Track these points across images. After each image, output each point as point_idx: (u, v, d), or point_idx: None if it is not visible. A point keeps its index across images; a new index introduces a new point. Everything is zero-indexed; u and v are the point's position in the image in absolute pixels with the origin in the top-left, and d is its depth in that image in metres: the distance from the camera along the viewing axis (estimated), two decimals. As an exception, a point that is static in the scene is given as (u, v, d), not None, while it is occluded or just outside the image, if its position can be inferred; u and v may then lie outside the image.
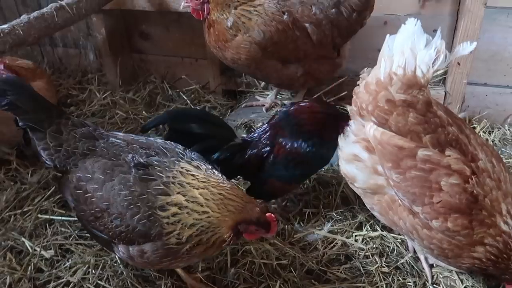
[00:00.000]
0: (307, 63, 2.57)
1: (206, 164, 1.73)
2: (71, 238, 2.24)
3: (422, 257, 2.03)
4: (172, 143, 1.82)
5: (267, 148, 2.10)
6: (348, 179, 1.93)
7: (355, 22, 2.50)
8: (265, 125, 2.16)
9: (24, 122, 1.77)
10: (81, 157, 1.74)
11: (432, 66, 1.56)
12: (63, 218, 2.35)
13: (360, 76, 1.82)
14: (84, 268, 2.03)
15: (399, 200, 1.74)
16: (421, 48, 1.57)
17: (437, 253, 1.74)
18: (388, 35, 1.68)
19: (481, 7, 2.49)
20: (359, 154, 1.82)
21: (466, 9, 2.53)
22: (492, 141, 2.76)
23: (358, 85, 1.80)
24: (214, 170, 1.71)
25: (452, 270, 1.98)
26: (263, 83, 3.24)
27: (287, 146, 2.06)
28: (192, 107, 3.23)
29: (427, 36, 1.58)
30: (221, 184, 1.62)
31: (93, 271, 2.02)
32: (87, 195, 1.66)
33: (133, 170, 1.62)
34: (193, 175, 1.63)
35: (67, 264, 2.08)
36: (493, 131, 2.84)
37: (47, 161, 1.80)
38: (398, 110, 1.63)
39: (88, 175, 1.68)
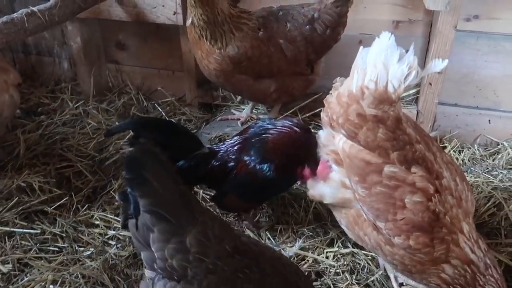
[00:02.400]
0: (281, 79, 2.57)
1: None
2: (31, 252, 2.13)
3: (392, 276, 2.02)
4: None
5: (232, 164, 2.09)
6: (316, 199, 1.91)
7: (329, 38, 2.53)
8: (236, 138, 2.15)
9: (149, 205, 1.30)
10: (230, 279, 1.33)
11: (404, 82, 1.56)
12: (24, 230, 2.25)
13: (333, 85, 1.81)
14: (42, 284, 1.93)
15: (364, 215, 1.73)
16: (393, 63, 1.56)
17: (400, 268, 1.74)
18: (361, 47, 1.67)
19: (452, 30, 2.56)
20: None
21: (437, 31, 2.61)
22: (462, 160, 2.81)
23: (331, 94, 1.79)
24: None
25: (421, 289, 1.97)
26: (239, 98, 3.22)
27: (249, 166, 2.06)
28: (167, 119, 3.18)
29: (400, 51, 1.57)
30: None
31: (52, 287, 1.92)
32: None
33: None
34: None
35: (25, 279, 1.97)
36: (463, 151, 2.90)
37: (164, 266, 1.34)
38: (368, 125, 1.63)
39: None
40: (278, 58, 2.48)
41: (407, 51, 1.59)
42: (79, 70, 3.55)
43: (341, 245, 2.18)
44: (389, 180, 1.59)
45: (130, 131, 2.13)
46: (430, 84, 2.78)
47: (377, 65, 1.59)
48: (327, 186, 1.82)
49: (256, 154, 2.05)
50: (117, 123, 3.14)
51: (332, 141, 1.80)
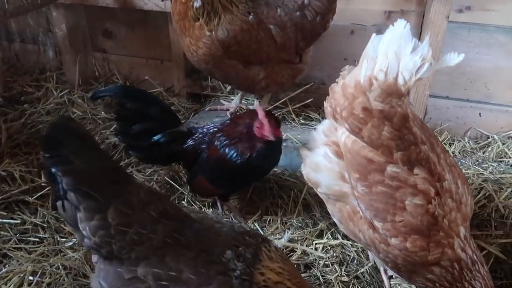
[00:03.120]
0: (270, 66, 2.52)
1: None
2: (10, 243, 2.05)
3: (381, 269, 1.99)
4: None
5: (204, 146, 2.12)
6: (311, 183, 1.86)
7: (319, 25, 2.48)
8: (217, 123, 2.18)
9: (72, 183, 1.23)
10: (158, 247, 1.28)
11: (415, 74, 1.46)
12: (4, 220, 2.17)
13: (340, 73, 1.71)
14: (21, 275, 1.86)
15: (361, 212, 1.68)
16: (406, 53, 1.45)
17: (391, 266, 1.71)
18: (374, 34, 1.57)
19: (444, 20, 2.53)
20: (327, 157, 1.75)
21: (429, 21, 2.57)
22: (453, 153, 2.79)
23: (337, 82, 1.69)
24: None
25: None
26: (229, 87, 3.16)
27: (220, 151, 2.05)
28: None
29: (415, 41, 1.46)
30: None
31: (31, 278, 1.85)
32: None
33: (236, 281, 1.26)
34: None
35: (3, 271, 1.90)
36: (453, 143, 2.88)
37: (91, 244, 1.28)
38: (374, 122, 1.54)
39: (173, 273, 1.24)
40: (267, 44, 2.42)
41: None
42: (64, 58, 3.45)
43: (330, 237, 2.14)
44: (391, 180, 1.52)
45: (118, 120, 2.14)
46: (422, 75, 2.74)
47: (389, 55, 1.48)
48: (324, 174, 1.76)
49: (225, 139, 2.07)
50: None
51: (334, 132, 1.72)
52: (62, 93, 3.31)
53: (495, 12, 2.66)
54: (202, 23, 2.34)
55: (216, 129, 2.14)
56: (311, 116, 2.87)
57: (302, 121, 2.81)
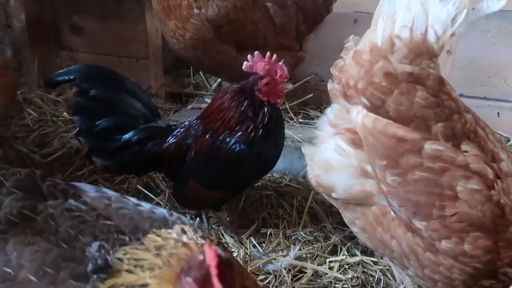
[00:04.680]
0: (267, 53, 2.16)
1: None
2: None
3: (415, 292, 1.56)
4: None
5: (190, 140, 1.63)
6: (322, 189, 1.44)
7: (322, 5, 2.20)
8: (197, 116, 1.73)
9: None
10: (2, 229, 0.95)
11: (451, 26, 1.17)
12: None
13: (345, 46, 1.38)
14: None
15: (392, 213, 1.30)
16: (435, 2, 1.18)
17: (442, 285, 1.28)
18: None
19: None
20: (341, 151, 1.36)
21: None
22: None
23: (342, 57, 1.37)
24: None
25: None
26: (215, 84, 2.76)
27: (209, 141, 1.60)
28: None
29: None
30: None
31: None
32: None
33: (92, 277, 0.89)
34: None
35: None
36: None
37: None
38: (401, 88, 1.21)
39: (9, 270, 0.91)
40: (264, 25, 2.13)
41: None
42: (22, 55, 3.02)
43: (346, 253, 1.70)
44: (432, 161, 1.17)
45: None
46: (436, 68, 2.41)
47: (412, 7, 1.21)
48: (339, 174, 1.35)
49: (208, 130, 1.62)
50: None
51: (345, 117, 1.37)
52: (19, 92, 2.83)
53: (516, -3, 2.38)
54: (190, 0, 2.01)
55: (200, 115, 1.69)
56: (310, 114, 2.48)
57: (301, 120, 2.42)
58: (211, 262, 0.75)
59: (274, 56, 1.57)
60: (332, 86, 1.40)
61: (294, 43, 2.25)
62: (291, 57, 2.25)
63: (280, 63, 1.57)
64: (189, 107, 2.56)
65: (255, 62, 1.56)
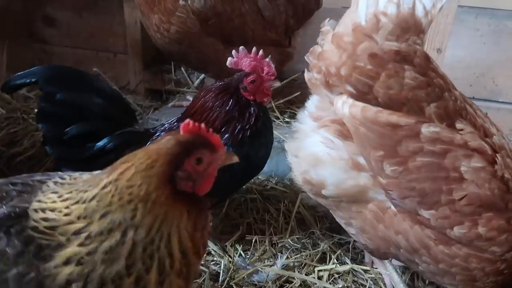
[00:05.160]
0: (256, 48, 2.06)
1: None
2: None
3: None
4: None
5: None
6: (311, 187, 1.35)
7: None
8: (178, 117, 1.59)
9: None
10: None
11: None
12: None
13: (321, 30, 1.29)
14: None
15: (393, 207, 1.23)
16: None
17: (460, 279, 1.22)
18: None
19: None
20: (329, 143, 1.28)
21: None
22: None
23: (319, 43, 1.28)
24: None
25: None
26: (197, 81, 2.64)
27: None
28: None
29: None
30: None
31: None
32: None
33: None
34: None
35: None
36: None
37: None
38: (389, 69, 1.15)
39: None
40: (253, 19, 2.05)
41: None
42: (-9, 46, 2.81)
43: (336, 261, 1.62)
44: (432, 144, 1.13)
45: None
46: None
47: None
48: (330, 168, 1.27)
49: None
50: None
51: (329, 108, 1.29)
52: (-15, 87, 2.65)
53: (506, -5, 2.33)
54: None
55: (181, 116, 1.57)
56: (297, 113, 2.37)
57: (288, 119, 2.33)
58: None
59: (261, 52, 1.47)
60: (310, 76, 1.31)
61: (282, 37, 2.17)
62: (280, 53, 2.17)
63: (267, 59, 1.47)
64: (170, 104, 2.44)
65: (240, 58, 1.45)
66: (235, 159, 0.90)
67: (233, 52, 1.46)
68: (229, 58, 1.46)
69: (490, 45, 2.45)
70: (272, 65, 1.47)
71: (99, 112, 1.43)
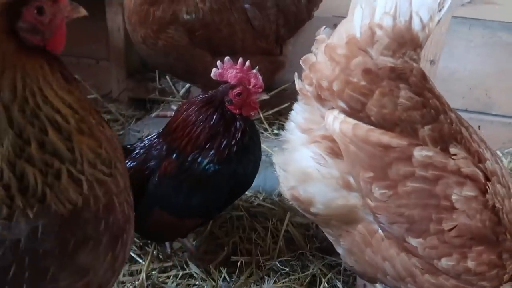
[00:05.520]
0: (244, 58, 1.99)
1: None
2: None
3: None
4: None
5: (154, 162, 1.40)
6: (299, 203, 1.27)
7: (304, 9, 2.06)
8: (156, 133, 1.49)
9: None
10: None
11: (439, 11, 1.08)
12: None
13: (316, 38, 1.21)
14: None
15: (381, 231, 1.16)
16: None
17: None
18: None
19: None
20: (320, 159, 1.20)
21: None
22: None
23: (313, 52, 1.20)
24: None
25: None
26: (183, 90, 2.53)
27: (176, 163, 1.37)
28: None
29: None
30: None
31: None
32: None
33: None
34: None
35: None
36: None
37: None
38: (383, 87, 1.08)
39: None
40: (242, 28, 1.98)
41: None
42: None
43: (326, 285, 1.52)
44: (424, 170, 1.07)
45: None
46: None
47: None
48: (319, 186, 1.19)
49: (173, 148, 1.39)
50: None
51: (319, 122, 1.21)
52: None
53: (499, 6, 2.29)
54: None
55: (162, 132, 1.46)
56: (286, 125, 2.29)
57: (276, 131, 2.23)
58: None
59: (247, 62, 1.38)
60: (302, 86, 1.23)
61: (273, 46, 2.10)
62: (271, 62, 2.10)
63: (254, 70, 1.38)
64: (153, 114, 2.33)
65: (225, 69, 1.37)
66: (82, 12, 0.89)
67: (218, 63, 1.38)
68: (214, 69, 1.38)
69: (484, 57, 2.41)
70: (260, 77, 1.38)
71: None
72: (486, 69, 2.43)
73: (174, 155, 1.37)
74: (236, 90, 1.36)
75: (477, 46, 2.39)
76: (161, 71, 2.51)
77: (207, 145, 1.36)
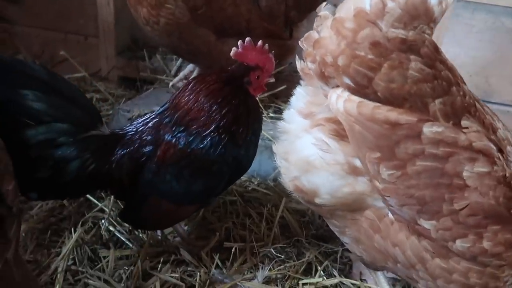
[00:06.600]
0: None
1: None
2: None
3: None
4: None
5: (149, 148, 1.31)
6: (302, 195, 1.21)
7: None
8: (149, 114, 1.40)
9: None
10: None
11: None
12: None
13: (319, 15, 1.14)
14: None
15: (391, 214, 1.12)
16: None
17: None
18: None
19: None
20: (323, 145, 1.15)
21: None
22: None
23: (315, 29, 1.13)
24: None
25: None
26: (174, 68, 2.45)
27: (179, 145, 1.29)
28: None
29: None
30: None
31: None
32: None
33: None
34: None
35: None
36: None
37: None
38: (392, 59, 1.02)
39: None
40: (247, 8, 1.92)
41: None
42: None
43: (322, 273, 1.47)
44: (434, 147, 1.02)
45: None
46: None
47: None
48: (323, 174, 1.13)
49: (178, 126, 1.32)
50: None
51: (322, 103, 1.16)
52: None
53: (504, -10, 2.23)
54: None
55: (163, 110, 1.37)
56: (282, 108, 2.23)
57: (272, 114, 2.17)
58: None
59: (266, 46, 1.35)
60: (303, 66, 1.17)
61: (281, 30, 2.05)
62: (279, 47, 2.00)
63: (271, 55, 1.37)
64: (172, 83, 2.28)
65: (247, 50, 1.34)
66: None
67: (239, 42, 1.34)
68: (234, 49, 1.34)
69: (486, 43, 2.34)
70: (273, 61, 1.39)
71: (54, 114, 1.18)
72: (487, 56, 2.37)
73: (174, 139, 1.30)
74: (257, 73, 1.35)
75: (479, 32, 2.32)
76: (170, 53, 2.46)
77: (231, 128, 1.31)
